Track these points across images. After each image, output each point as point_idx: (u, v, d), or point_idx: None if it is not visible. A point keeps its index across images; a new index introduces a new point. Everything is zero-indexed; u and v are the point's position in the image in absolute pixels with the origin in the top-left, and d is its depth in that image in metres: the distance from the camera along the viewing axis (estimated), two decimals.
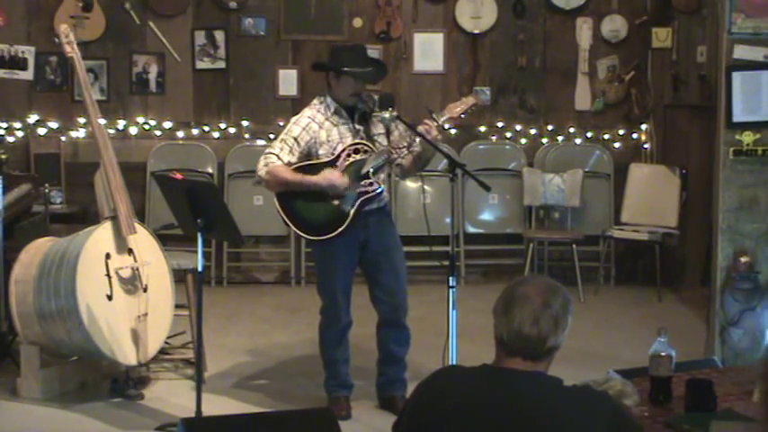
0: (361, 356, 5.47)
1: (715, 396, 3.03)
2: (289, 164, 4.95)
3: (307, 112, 5.06)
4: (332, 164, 4.95)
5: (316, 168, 4.96)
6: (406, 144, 4.94)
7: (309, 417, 3.31)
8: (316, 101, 5.09)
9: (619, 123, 8.43)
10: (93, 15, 7.95)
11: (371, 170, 4.93)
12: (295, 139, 4.98)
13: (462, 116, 5.02)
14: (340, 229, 4.92)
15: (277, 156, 4.95)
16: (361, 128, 5.03)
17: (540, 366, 2.57)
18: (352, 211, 4.92)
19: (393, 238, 5.16)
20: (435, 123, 4.84)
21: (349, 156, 4.96)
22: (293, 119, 5.11)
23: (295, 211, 4.99)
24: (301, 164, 4.97)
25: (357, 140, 4.98)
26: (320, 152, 4.99)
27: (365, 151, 4.96)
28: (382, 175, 5.07)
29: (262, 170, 4.95)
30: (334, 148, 4.97)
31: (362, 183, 4.93)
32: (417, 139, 4.89)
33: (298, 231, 5.06)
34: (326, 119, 5.02)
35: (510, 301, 2.58)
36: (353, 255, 5.08)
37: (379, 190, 4.95)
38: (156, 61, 8.23)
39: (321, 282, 5.21)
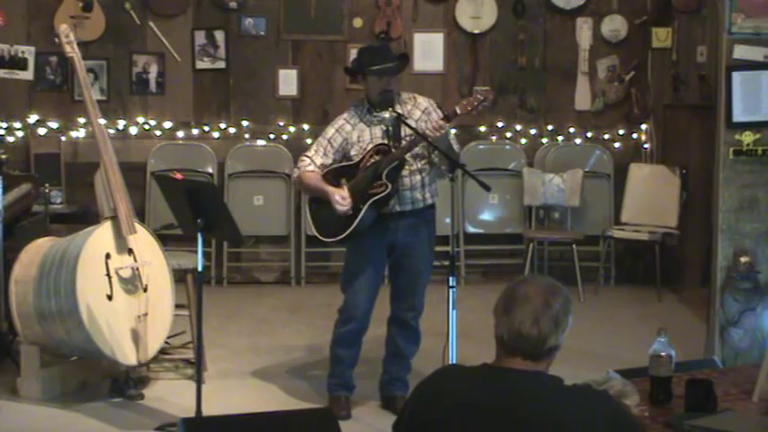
0: (363, 356, 5.46)
1: (715, 396, 3.02)
2: (323, 165, 5.06)
3: (344, 114, 5.17)
4: (357, 165, 5.02)
5: (344, 171, 5.05)
6: (407, 145, 4.95)
7: (309, 417, 3.32)
8: (356, 102, 5.20)
9: (619, 123, 8.43)
10: (93, 15, 7.94)
11: (385, 172, 4.95)
12: (328, 140, 5.10)
13: (474, 113, 5.03)
14: (345, 234, 4.97)
15: (310, 158, 5.09)
16: (391, 130, 5.03)
17: (540, 366, 2.57)
18: (360, 215, 4.93)
19: (422, 242, 5.13)
20: (447, 122, 4.85)
21: (371, 156, 5.01)
22: (333, 120, 5.20)
23: (318, 211, 5.10)
24: (334, 166, 5.07)
25: (380, 142, 5.02)
26: (352, 152, 5.06)
27: (384, 152, 4.99)
28: (419, 177, 5.03)
29: (294, 173, 5.19)
30: (365, 149, 5.03)
31: (374, 184, 4.95)
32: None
33: (314, 231, 5.14)
34: (361, 120, 5.08)
35: (510, 300, 2.58)
36: (381, 257, 5.12)
37: (386, 192, 4.94)
38: (156, 61, 8.23)
39: (345, 280, 5.24)
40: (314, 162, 5.06)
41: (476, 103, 4.94)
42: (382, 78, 5.02)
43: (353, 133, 5.07)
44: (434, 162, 5.06)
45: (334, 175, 5.06)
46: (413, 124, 4.95)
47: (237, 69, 8.29)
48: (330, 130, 5.12)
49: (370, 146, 5.03)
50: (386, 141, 5.02)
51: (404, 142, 4.99)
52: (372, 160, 5.00)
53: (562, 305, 2.57)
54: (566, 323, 2.57)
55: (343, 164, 5.07)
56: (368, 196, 4.95)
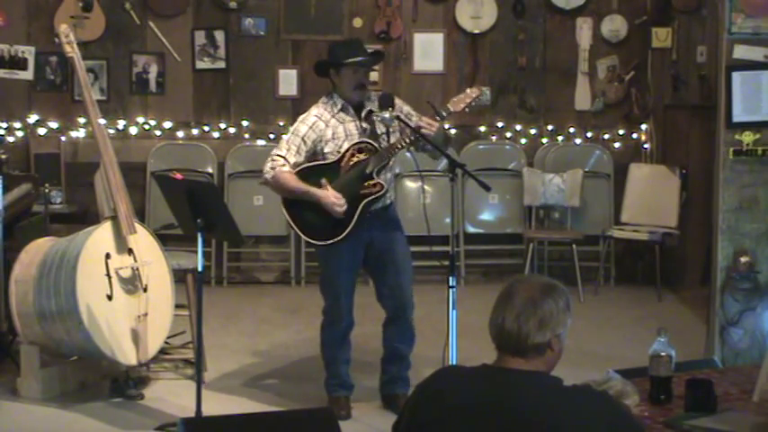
0: (361, 356, 5.46)
1: (715, 396, 3.03)
2: (296, 164, 4.95)
3: (314, 110, 5.05)
4: (337, 164, 4.94)
5: (322, 170, 4.95)
6: (405, 143, 4.92)
7: (309, 417, 3.32)
8: (324, 98, 5.08)
9: (619, 123, 8.43)
10: (93, 15, 7.95)
11: (375, 170, 4.92)
12: (302, 138, 4.98)
13: (467, 111, 5.01)
14: (342, 235, 4.92)
15: (283, 157, 4.96)
16: (367, 126, 4.99)
17: (534, 365, 2.56)
18: (355, 216, 4.91)
19: (397, 237, 5.13)
20: (438, 120, 4.83)
21: (353, 155, 4.94)
22: (301, 117, 5.10)
23: (300, 214, 4.99)
24: (309, 164, 4.97)
25: (361, 140, 4.96)
26: (326, 150, 4.98)
27: (369, 150, 4.94)
28: (389, 174, 5.06)
29: (268, 173, 4.97)
30: (340, 146, 4.96)
31: (365, 184, 4.92)
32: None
33: (302, 235, 5.06)
34: (333, 116, 5.01)
35: (499, 298, 2.61)
36: (357, 255, 5.08)
37: (381, 192, 4.94)
38: (156, 61, 8.23)
39: (324, 281, 5.21)
40: (288, 161, 4.94)
41: (468, 101, 4.92)
42: (358, 71, 4.98)
43: (327, 130, 4.98)
44: (428, 150, 4.99)
45: (311, 174, 4.95)
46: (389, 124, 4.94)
47: (237, 69, 8.29)
48: (303, 128, 5.00)
49: (346, 143, 4.96)
50: (367, 139, 4.96)
51: (382, 140, 4.95)
52: (355, 159, 4.93)
53: (553, 303, 2.56)
54: (556, 322, 2.56)
55: (320, 162, 4.97)
56: (361, 196, 4.92)
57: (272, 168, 4.95)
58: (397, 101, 5.10)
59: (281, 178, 4.93)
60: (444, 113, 4.89)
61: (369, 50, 5.22)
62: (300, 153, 4.97)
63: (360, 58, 4.97)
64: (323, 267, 5.24)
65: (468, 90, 5.02)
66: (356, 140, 4.96)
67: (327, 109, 5.03)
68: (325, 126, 4.99)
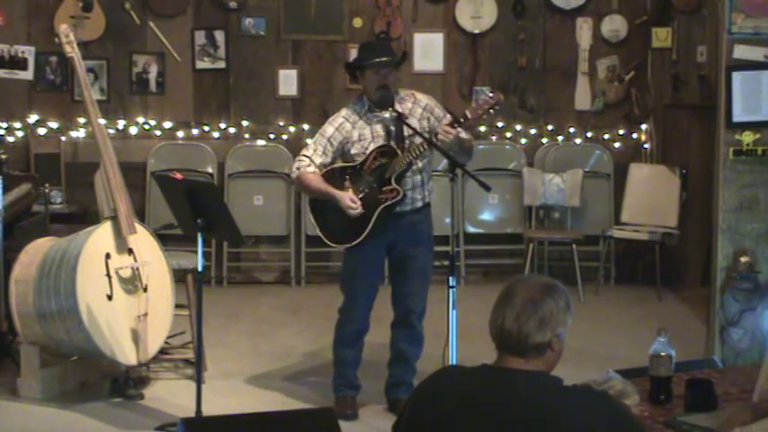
0: (366, 356, 5.45)
1: (715, 396, 3.03)
2: (322, 165, 5.01)
3: (343, 111, 5.11)
4: (360, 166, 4.97)
5: (346, 172, 5.00)
6: (423, 148, 4.88)
7: (310, 416, 3.32)
8: (354, 100, 5.15)
9: (619, 123, 8.43)
10: (93, 15, 7.94)
11: (393, 176, 4.92)
12: (328, 139, 5.03)
13: (485, 117, 4.99)
14: (357, 240, 4.94)
15: (309, 158, 5.03)
16: (393, 128, 4.99)
17: (534, 365, 2.56)
18: (371, 222, 4.92)
19: (423, 242, 5.11)
20: (454, 127, 4.79)
21: (375, 158, 4.96)
22: (330, 118, 5.15)
23: (322, 216, 5.06)
24: (334, 166, 5.03)
25: (384, 143, 4.97)
26: (353, 151, 5.01)
27: (390, 154, 4.95)
28: (417, 177, 5.02)
29: (294, 173, 5.10)
30: (366, 148, 4.99)
31: (383, 189, 4.93)
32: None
33: (322, 237, 5.08)
34: (360, 117, 5.03)
35: (499, 298, 2.61)
36: (381, 256, 5.11)
37: (398, 197, 4.93)
38: (156, 61, 8.23)
39: (343, 279, 5.24)
40: (313, 162, 5.01)
41: (487, 107, 4.87)
42: (379, 72, 4.96)
43: (354, 132, 5.02)
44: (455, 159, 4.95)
45: (336, 175, 5.01)
46: (415, 123, 4.93)
47: (237, 69, 8.29)
48: (329, 129, 5.05)
49: (372, 145, 4.98)
50: (389, 142, 4.97)
51: (407, 142, 4.96)
52: (377, 162, 4.95)
53: (553, 303, 2.57)
54: (555, 322, 2.56)
55: (345, 164, 5.02)
56: (378, 201, 4.93)
57: (298, 169, 5.05)
58: (430, 102, 5.10)
59: (305, 178, 5.01)
60: (462, 119, 4.84)
61: (391, 49, 5.17)
62: (327, 154, 5.02)
63: (377, 59, 4.96)
64: (344, 266, 5.26)
65: (488, 97, 4.94)
66: (380, 143, 4.98)
67: (356, 110, 5.06)
68: (352, 127, 5.02)
